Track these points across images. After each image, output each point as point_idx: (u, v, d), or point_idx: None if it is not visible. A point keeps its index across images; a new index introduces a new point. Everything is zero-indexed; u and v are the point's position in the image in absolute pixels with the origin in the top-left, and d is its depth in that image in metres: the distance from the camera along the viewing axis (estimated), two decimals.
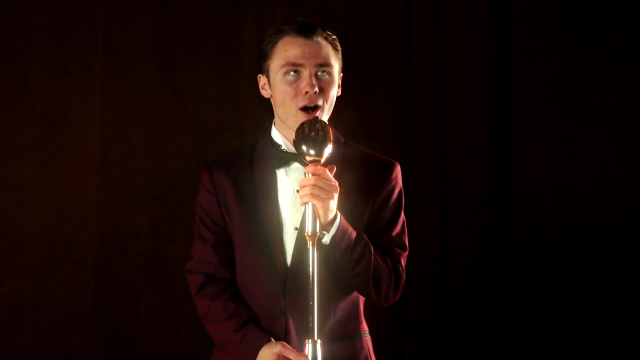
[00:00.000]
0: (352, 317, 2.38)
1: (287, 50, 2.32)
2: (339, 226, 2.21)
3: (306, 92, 2.30)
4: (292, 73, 2.31)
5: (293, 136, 2.23)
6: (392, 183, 2.39)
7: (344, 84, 2.42)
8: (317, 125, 2.20)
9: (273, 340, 2.28)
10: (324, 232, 2.20)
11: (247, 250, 2.36)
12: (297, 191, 2.25)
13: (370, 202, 2.35)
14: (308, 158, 2.18)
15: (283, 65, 2.32)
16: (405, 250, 2.40)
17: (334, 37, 2.37)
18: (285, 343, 2.26)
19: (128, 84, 3.98)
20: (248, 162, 2.41)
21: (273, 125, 2.42)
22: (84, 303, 3.90)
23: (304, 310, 2.20)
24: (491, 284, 4.09)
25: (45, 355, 3.87)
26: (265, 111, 2.49)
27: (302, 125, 2.21)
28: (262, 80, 2.40)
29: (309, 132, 2.19)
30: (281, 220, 2.33)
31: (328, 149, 2.19)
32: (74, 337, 3.89)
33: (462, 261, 4.07)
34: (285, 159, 2.35)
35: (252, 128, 4.02)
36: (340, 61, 2.38)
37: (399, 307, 4.05)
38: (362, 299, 2.40)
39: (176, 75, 4.01)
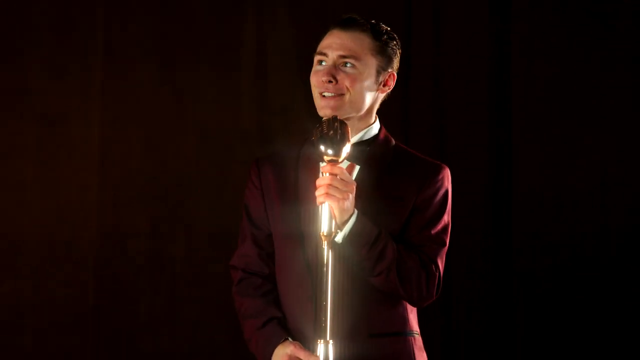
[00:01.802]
0: (395, 315, 2.33)
1: (322, 41, 2.37)
2: (353, 225, 2.20)
3: (322, 81, 2.31)
4: (320, 63, 2.34)
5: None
6: (438, 184, 2.34)
7: None
8: (336, 124, 2.20)
9: (290, 339, 2.27)
10: (339, 230, 2.20)
11: (284, 248, 2.36)
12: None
13: (412, 201, 2.31)
14: (326, 157, 2.18)
15: (315, 55, 2.36)
16: (442, 246, 2.33)
17: (388, 36, 2.38)
18: (298, 343, 2.25)
19: (128, 84, 3.97)
20: (295, 161, 2.40)
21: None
22: (84, 303, 3.90)
23: (337, 310, 2.20)
24: (491, 284, 4.09)
25: (45, 355, 3.87)
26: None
27: (320, 124, 2.22)
28: None
29: (327, 131, 2.19)
30: (320, 222, 2.29)
31: (346, 149, 2.18)
32: (74, 337, 3.89)
33: (462, 261, 4.07)
34: None
35: (252, 128, 4.05)
36: (387, 60, 2.39)
37: None
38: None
39: (176, 75, 4.01)
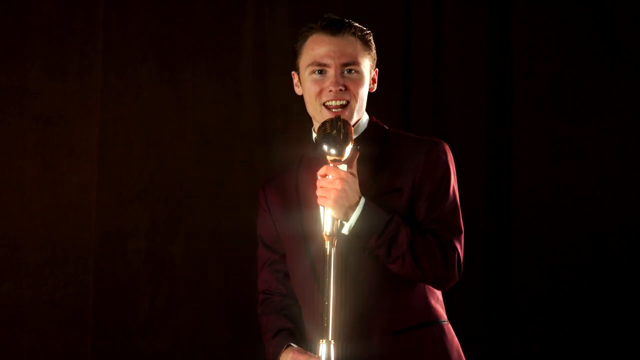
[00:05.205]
0: (416, 305, 2.30)
1: (313, 49, 2.30)
2: (359, 214, 2.17)
3: (330, 91, 2.28)
4: (318, 72, 2.30)
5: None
6: (432, 162, 2.30)
7: None
8: (339, 123, 2.19)
9: (293, 345, 2.28)
10: (344, 223, 2.18)
11: (292, 256, 2.37)
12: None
13: (410, 185, 2.28)
14: (329, 157, 2.17)
15: (309, 64, 2.30)
16: (458, 232, 2.31)
17: (366, 31, 2.34)
18: (300, 348, 2.27)
19: (128, 84, 3.97)
20: (296, 170, 2.41)
21: (312, 128, 2.40)
22: (84, 303, 3.90)
23: (342, 313, 2.19)
24: (491, 284, 4.09)
25: (45, 355, 3.87)
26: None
27: (323, 123, 2.20)
28: (295, 77, 2.39)
29: (331, 131, 2.18)
30: (322, 222, 2.27)
31: (349, 148, 2.18)
32: (74, 337, 3.89)
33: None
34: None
35: (252, 128, 4.05)
36: (373, 57, 2.35)
37: None
38: (427, 287, 2.32)
39: (176, 75, 4.01)
